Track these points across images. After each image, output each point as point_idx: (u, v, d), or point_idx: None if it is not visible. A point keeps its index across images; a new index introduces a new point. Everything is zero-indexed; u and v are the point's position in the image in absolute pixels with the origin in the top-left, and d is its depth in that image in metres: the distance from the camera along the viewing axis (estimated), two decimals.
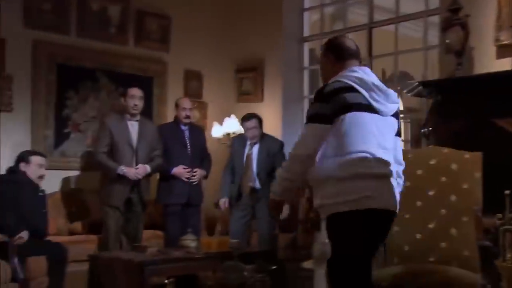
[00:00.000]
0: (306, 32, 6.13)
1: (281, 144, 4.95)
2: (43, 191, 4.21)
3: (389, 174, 2.38)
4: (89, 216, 5.00)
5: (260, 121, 4.88)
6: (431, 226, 3.09)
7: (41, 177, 4.20)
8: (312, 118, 2.36)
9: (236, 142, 5.06)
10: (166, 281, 1.87)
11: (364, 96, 2.35)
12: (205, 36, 6.14)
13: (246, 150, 4.87)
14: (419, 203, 3.17)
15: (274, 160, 4.76)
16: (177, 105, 4.94)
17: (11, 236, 3.70)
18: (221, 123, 5.83)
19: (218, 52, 6.22)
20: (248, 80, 6.19)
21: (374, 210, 2.29)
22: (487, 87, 3.87)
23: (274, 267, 2.00)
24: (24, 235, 3.78)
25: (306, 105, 6.13)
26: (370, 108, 2.36)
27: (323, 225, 2.04)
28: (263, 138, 4.91)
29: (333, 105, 2.32)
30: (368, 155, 2.32)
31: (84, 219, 5.00)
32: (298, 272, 5.58)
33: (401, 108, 6.04)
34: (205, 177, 4.98)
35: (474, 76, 4.05)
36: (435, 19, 4.88)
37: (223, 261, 3.72)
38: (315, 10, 6.20)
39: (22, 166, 4.14)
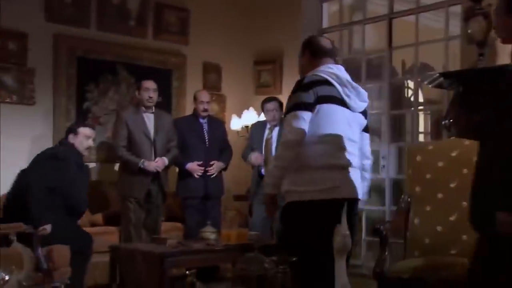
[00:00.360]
0: (325, 24, 6.08)
1: None
2: (86, 166, 4.30)
3: (354, 165, 2.60)
4: (109, 208, 5.05)
5: (280, 104, 4.88)
6: (452, 218, 3.06)
7: (88, 148, 4.26)
8: (297, 105, 2.54)
9: (254, 128, 5.09)
10: (187, 272, 1.88)
11: (338, 91, 2.57)
12: (224, 28, 6.14)
13: (265, 135, 4.88)
14: (440, 195, 3.15)
15: None
16: (195, 98, 4.97)
17: (35, 227, 3.76)
18: (239, 115, 5.83)
19: (237, 44, 6.22)
20: (266, 72, 6.17)
21: (339, 200, 2.41)
22: (510, 77, 3.80)
23: (295, 258, 2.00)
24: (48, 227, 3.83)
25: None
26: (342, 103, 2.57)
27: (343, 217, 2.03)
28: (283, 122, 4.90)
29: (312, 94, 2.53)
30: (337, 146, 2.54)
31: (104, 210, 5.06)
32: None
33: (421, 99, 6.00)
34: (224, 169, 4.97)
35: (497, 67, 3.98)
36: (457, 9, 4.80)
37: (243, 253, 3.73)
38: (334, 1, 6.14)
39: (71, 138, 4.20)
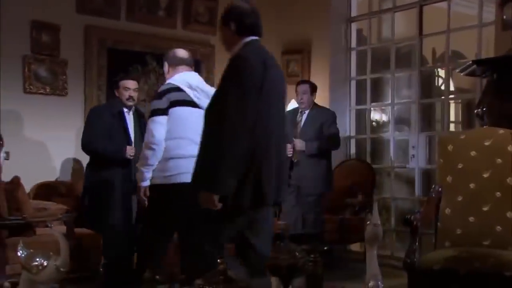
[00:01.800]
0: (354, 12, 6.02)
1: (332, 114, 4.90)
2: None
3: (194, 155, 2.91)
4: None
5: (313, 88, 4.87)
6: (485, 209, 3.01)
7: (129, 98, 4.33)
8: (154, 112, 3.19)
9: (289, 113, 5.07)
10: (218, 260, 1.90)
11: (188, 95, 3.18)
12: None
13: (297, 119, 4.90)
14: (472, 185, 3.09)
15: (323, 130, 4.76)
16: None
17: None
18: None
19: (265, 34, 6.08)
20: (295, 61, 6.15)
21: (182, 184, 3.01)
22: None
23: (326, 247, 2.01)
24: None
25: (353, 86, 6.06)
26: (193, 104, 3.17)
27: (375, 207, 2.03)
28: (314, 107, 4.88)
29: (165, 101, 3.15)
30: (188, 140, 3.09)
31: None
32: (346, 254, 5.59)
33: (452, 88, 5.89)
34: None
35: None
36: None
37: (273, 242, 3.75)
38: None
39: (116, 93, 4.37)
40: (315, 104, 4.93)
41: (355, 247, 5.77)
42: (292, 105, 5.56)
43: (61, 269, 1.72)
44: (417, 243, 2.92)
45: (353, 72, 6.04)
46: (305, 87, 4.83)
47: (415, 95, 5.50)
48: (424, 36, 5.39)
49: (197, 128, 2.78)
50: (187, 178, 2.73)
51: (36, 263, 1.70)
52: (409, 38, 5.66)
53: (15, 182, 3.79)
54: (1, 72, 4.62)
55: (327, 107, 5.73)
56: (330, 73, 5.89)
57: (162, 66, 5.49)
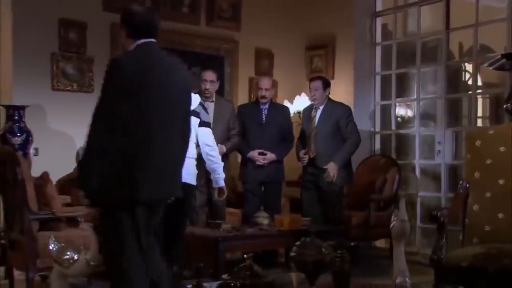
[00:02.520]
0: (379, 7, 5.96)
1: (346, 109, 4.90)
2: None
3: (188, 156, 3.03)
4: None
5: (325, 84, 4.87)
6: None
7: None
8: None
9: (304, 112, 5.11)
10: (244, 255, 1.91)
11: None
12: (276, 13, 6.12)
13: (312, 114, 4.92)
14: (501, 181, 3.05)
15: (339, 126, 4.76)
16: (256, 85, 5.01)
17: None
18: (291, 101, 5.82)
19: (289, 29, 6.19)
20: (319, 57, 6.12)
21: None
22: None
23: (353, 243, 2.00)
24: None
25: (378, 81, 6.01)
26: None
27: (402, 203, 2.01)
28: (328, 102, 4.89)
29: None
30: None
31: None
32: (371, 250, 5.56)
33: (479, 83, 5.78)
34: (278, 161, 4.89)
35: None
36: None
37: (296, 238, 3.75)
38: None
39: None
40: (329, 99, 4.93)
41: (380, 243, 5.73)
42: (305, 103, 5.57)
43: (91, 263, 1.76)
44: (444, 240, 2.88)
45: (378, 67, 5.98)
46: (317, 84, 4.85)
47: (441, 90, 5.43)
48: (451, 30, 5.31)
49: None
50: None
51: (67, 257, 1.74)
52: (435, 32, 5.58)
53: (44, 177, 3.87)
54: (30, 70, 4.71)
55: (352, 102, 5.71)
56: (355, 68, 5.85)
57: (186, 63, 5.59)
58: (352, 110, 5.62)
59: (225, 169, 4.71)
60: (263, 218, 4.33)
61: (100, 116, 2.42)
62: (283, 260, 4.87)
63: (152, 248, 2.43)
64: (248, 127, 4.86)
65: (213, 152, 3.64)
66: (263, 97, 4.87)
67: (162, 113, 2.45)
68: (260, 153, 4.80)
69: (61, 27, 4.88)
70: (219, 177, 3.73)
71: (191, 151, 3.26)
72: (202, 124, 3.58)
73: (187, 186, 3.24)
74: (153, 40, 2.58)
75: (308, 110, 5.00)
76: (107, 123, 2.38)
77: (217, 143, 4.53)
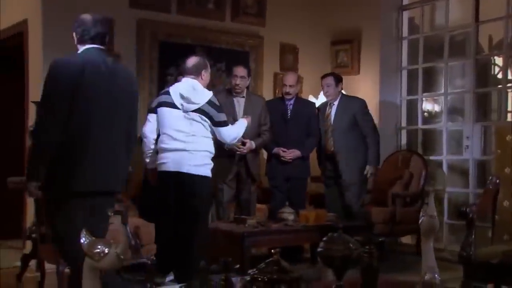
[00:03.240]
0: (406, 0, 5.89)
1: (362, 103, 4.89)
2: None
3: (183, 148, 3.71)
4: None
5: (337, 79, 4.89)
6: None
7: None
8: (148, 110, 3.97)
9: (321, 107, 5.10)
10: (272, 251, 1.92)
11: (172, 98, 3.78)
12: (301, 8, 6.10)
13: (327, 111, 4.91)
14: None
15: (357, 121, 4.76)
16: (281, 80, 5.02)
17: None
18: (316, 96, 5.80)
19: (314, 24, 6.16)
20: (344, 52, 6.08)
21: (167, 172, 3.74)
22: None
23: (381, 239, 1.99)
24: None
25: (404, 76, 5.94)
26: (174, 106, 3.76)
27: (431, 199, 1.99)
28: (343, 97, 4.89)
29: (156, 101, 3.92)
30: (168, 135, 3.75)
31: None
32: (396, 246, 5.52)
33: (509, 76, 5.65)
34: (303, 157, 4.88)
35: None
36: None
37: (322, 233, 3.74)
38: None
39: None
40: (343, 94, 4.92)
41: (406, 239, 5.68)
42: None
43: (121, 257, 1.78)
44: (473, 236, 2.85)
45: (404, 62, 5.92)
46: (328, 80, 4.88)
47: (470, 84, 5.34)
48: (480, 22, 5.22)
49: (175, 126, 3.74)
50: (168, 167, 3.73)
51: (98, 250, 1.76)
52: (464, 25, 5.49)
53: None
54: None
55: (377, 97, 5.66)
56: (381, 63, 5.80)
57: (212, 58, 5.63)
58: (378, 105, 5.60)
59: (256, 165, 4.76)
60: (288, 214, 4.34)
61: (41, 113, 2.75)
62: (308, 255, 4.88)
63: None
64: (274, 122, 4.85)
65: (234, 141, 4.09)
66: (287, 93, 4.86)
67: (100, 113, 2.70)
68: (284, 150, 4.80)
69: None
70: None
71: (200, 146, 3.74)
72: (218, 124, 3.82)
73: (189, 176, 3.69)
74: (97, 46, 2.79)
75: (323, 107, 4.99)
76: (48, 120, 2.64)
77: (247, 139, 4.60)
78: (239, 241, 3.91)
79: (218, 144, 4.52)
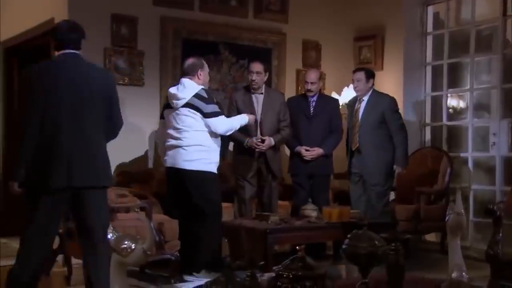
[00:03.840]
0: None
1: (392, 100, 4.78)
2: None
3: (175, 145, 3.89)
4: (226, 185, 5.15)
5: (368, 74, 4.76)
6: None
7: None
8: (160, 116, 4.20)
9: (348, 104, 5.03)
10: (297, 247, 1.92)
11: (170, 99, 3.98)
12: (324, 5, 6.07)
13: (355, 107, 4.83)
14: None
15: (383, 117, 4.65)
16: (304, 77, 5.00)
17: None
18: (339, 93, 5.77)
19: (336, 20, 6.12)
20: (367, 48, 6.04)
21: (167, 168, 3.96)
22: None
23: (408, 236, 1.97)
24: None
25: (429, 72, 5.87)
26: (169, 106, 3.97)
27: (458, 196, 1.96)
28: (373, 94, 4.78)
29: (163, 105, 4.29)
30: (169, 134, 3.94)
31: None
32: (420, 244, 5.46)
33: None
34: (324, 155, 4.84)
35: None
36: None
37: (345, 230, 3.72)
38: None
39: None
40: (374, 90, 4.82)
41: (430, 237, 5.62)
42: (353, 95, 5.48)
43: (148, 252, 1.80)
44: (500, 234, 2.81)
45: (429, 58, 5.84)
46: (359, 75, 4.75)
47: (497, 79, 5.25)
48: (508, 16, 5.12)
49: (170, 124, 3.92)
50: (167, 163, 3.94)
51: (125, 246, 1.78)
52: (491, 19, 5.39)
53: None
54: None
55: (401, 93, 5.60)
56: (405, 59, 5.74)
57: (234, 55, 5.65)
58: (402, 102, 5.52)
59: (276, 162, 4.75)
60: (311, 211, 4.32)
61: (21, 113, 2.97)
62: (331, 253, 4.86)
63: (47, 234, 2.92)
64: (296, 120, 4.84)
65: (228, 132, 4.06)
66: (309, 90, 4.84)
67: (72, 112, 2.87)
68: (307, 149, 4.78)
69: (114, 22, 5.00)
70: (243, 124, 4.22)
71: (192, 141, 3.85)
72: (207, 115, 3.86)
73: (183, 171, 3.82)
74: (72, 51, 2.95)
75: (353, 102, 4.92)
76: (26, 119, 2.86)
77: (266, 135, 4.59)
78: (262, 238, 3.91)
79: (238, 141, 4.57)
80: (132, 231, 3.69)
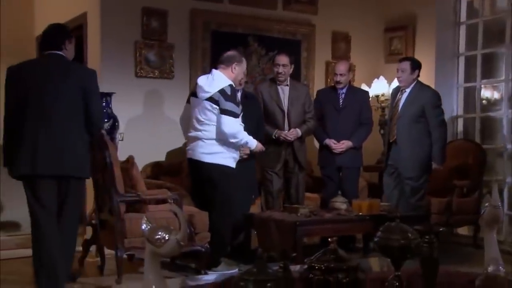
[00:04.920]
0: None
1: (433, 94, 4.59)
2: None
3: (201, 137, 3.92)
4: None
5: (414, 65, 4.57)
6: None
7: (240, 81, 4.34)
8: (187, 100, 4.21)
9: (393, 91, 4.90)
10: (329, 239, 1.91)
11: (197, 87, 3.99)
12: None
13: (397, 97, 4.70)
14: None
15: (423, 110, 4.50)
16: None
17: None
18: (369, 85, 5.71)
19: (366, 11, 6.05)
20: (398, 39, 5.95)
21: (188, 159, 4.05)
22: None
23: (442, 229, 1.94)
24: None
25: (462, 63, 5.75)
26: (195, 95, 3.98)
27: (495, 189, 1.92)
28: (417, 85, 4.61)
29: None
30: (190, 125, 4.00)
31: None
32: (452, 238, 5.38)
33: None
34: (354, 148, 4.81)
35: None
36: None
37: (375, 223, 3.69)
38: None
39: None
40: (418, 82, 4.64)
41: (462, 230, 5.53)
42: (383, 87, 5.42)
43: (181, 243, 1.81)
44: None
45: (462, 48, 5.73)
46: (404, 65, 4.56)
47: None
48: None
49: (193, 114, 3.97)
50: (188, 154, 4.02)
51: (159, 236, 1.80)
52: None
53: (130, 161, 4.03)
54: (116, 58, 4.93)
55: (433, 85, 5.49)
56: (436, 49, 5.64)
57: (263, 47, 5.64)
58: None
59: (303, 153, 4.75)
60: (341, 203, 4.30)
61: (5, 106, 3.30)
62: (360, 245, 4.84)
63: (49, 222, 3.23)
64: (325, 112, 4.81)
65: (232, 139, 3.90)
66: (338, 82, 4.80)
67: (45, 105, 3.18)
68: (335, 143, 4.74)
69: (144, 15, 5.04)
70: (247, 145, 4.07)
71: (212, 134, 3.87)
72: (222, 112, 3.83)
73: (200, 163, 3.90)
74: (53, 51, 3.29)
75: (395, 92, 4.76)
76: (7, 112, 3.28)
77: (293, 126, 4.60)
78: (292, 230, 3.91)
79: (266, 133, 4.58)
80: (163, 222, 3.72)
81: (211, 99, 3.85)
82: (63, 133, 3.19)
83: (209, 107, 3.86)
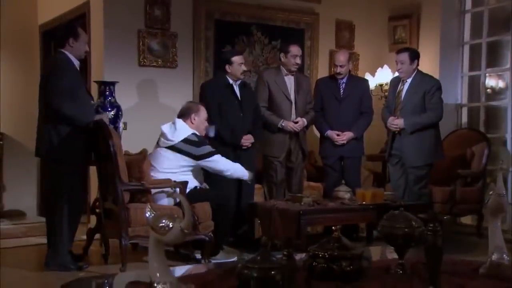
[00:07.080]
0: None
1: (435, 82, 4.57)
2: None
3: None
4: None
5: (413, 56, 4.53)
6: None
7: (243, 73, 4.48)
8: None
9: (391, 83, 4.90)
10: (333, 227, 1.92)
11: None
12: None
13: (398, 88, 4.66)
14: None
15: (425, 100, 4.48)
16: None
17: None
18: (373, 74, 5.68)
19: (370, 0, 6.01)
20: (402, 27, 5.91)
21: None
22: None
23: (446, 217, 1.94)
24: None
25: (466, 51, 5.72)
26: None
27: (499, 177, 1.92)
28: (417, 75, 4.58)
29: None
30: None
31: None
32: (456, 227, 5.38)
33: None
34: (355, 138, 4.80)
35: None
36: None
37: (379, 212, 3.69)
38: None
39: (228, 68, 4.42)
40: (418, 71, 4.60)
41: (466, 220, 5.53)
42: (387, 76, 5.41)
43: (185, 231, 1.81)
44: None
45: (467, 36, 5.69)
46: (402, 57, 4.51)
47: None
48: None
49: (152, 159, 4.07)
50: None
51: (163, 224, 1.80)
52: None
53: (143, 154, 4.10)
54: (119, 47, 4.91)
55: (437, 74, 5.46)
56: (441, 38, 5.61)
57: (267, 36, 5.61)
58: None
59: (305, 141, 4.77)
60: (344, 192, 4.30)
61: None
62: (363, 234, 4.84)
63: None
64: (326, 102, 4.80)
65: (228, 172, 4.07)
66: (338, 73, 4.78)
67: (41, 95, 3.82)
68: (338, 134, 4.73)
69: (147, 4, 5.02)
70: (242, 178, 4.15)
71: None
72: (206, 155, 3.97)
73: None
74: (59, 49, 3.81)
75: (395, 83, 4.73)
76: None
77: (299, 116, 4.62)
78: (296, 219, 3.92)
79: (272, 123, 4.58)
80: (167, 211, 3.74)
81: (173, 148, 3.92)
82: (42, 120, 3.86)
83: (170, 156, 3.93)
